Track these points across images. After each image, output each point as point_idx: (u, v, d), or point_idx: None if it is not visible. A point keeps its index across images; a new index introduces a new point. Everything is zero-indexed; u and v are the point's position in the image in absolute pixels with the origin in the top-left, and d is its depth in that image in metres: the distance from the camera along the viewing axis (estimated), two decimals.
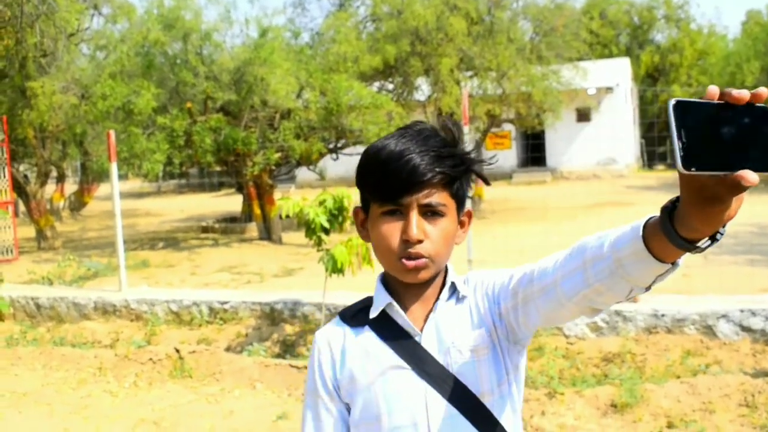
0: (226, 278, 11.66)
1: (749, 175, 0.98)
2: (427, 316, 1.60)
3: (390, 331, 1.58)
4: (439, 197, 1.52)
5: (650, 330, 7.08)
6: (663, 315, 7.06)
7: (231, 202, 23.80)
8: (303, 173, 23.67)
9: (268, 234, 15.68)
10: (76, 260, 11.76)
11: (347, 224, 7.95)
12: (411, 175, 1.47)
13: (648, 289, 1.27)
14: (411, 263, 1.52)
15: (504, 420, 1.57)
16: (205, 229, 18.02)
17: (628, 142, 28.75)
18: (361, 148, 16.15)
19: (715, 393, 5.86)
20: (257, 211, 16.03)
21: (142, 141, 12.91)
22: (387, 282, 1.64)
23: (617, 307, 7.23)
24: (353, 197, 7.90)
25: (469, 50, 17.03)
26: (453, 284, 1.63)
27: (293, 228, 16.29)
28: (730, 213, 1.06)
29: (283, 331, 8.38)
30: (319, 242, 7.75)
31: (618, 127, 28.02)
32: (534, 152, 29.65)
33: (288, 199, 8.36)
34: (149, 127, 13.49)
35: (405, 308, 1.60)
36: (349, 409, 1.63)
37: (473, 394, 1.55)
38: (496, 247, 12.36)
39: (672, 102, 1.00)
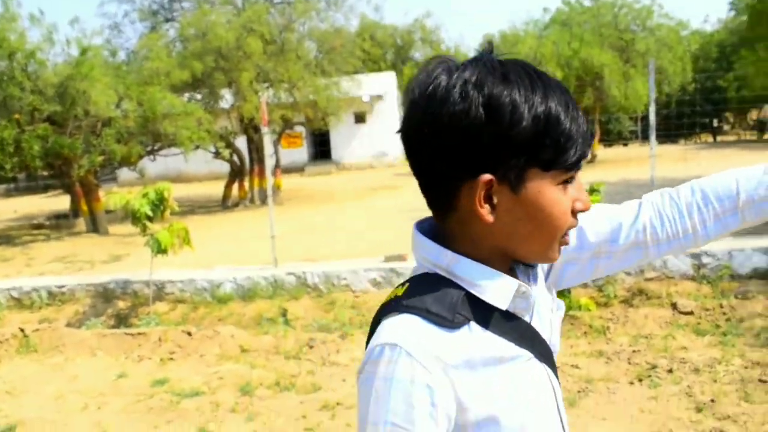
0: (60, 267, 11.12)
1: None
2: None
3: (501, 318, 1.03)
4: None
5: None
6: None
7: (59, 202, 22.38)
8: (124, 173, 22.82)
9: (95, 227, 15.02)
10: None
11: (167, 213, 7.94)
12: (590, 135, 1.04)
13: None
14: (568, 238, 1.07)
15: None
16: (37, 226, 16.92)
17: (396, 139, 29.68)
18: (175, 150, 15.89)
19: None
20: (84, 208, 15.33)
21: None
22: (477, 258, 1.04)
23: (392, 265, 7.73)
24: (172, 189, 7.91)
25: (265, 65, 17.09)
26: None
27: (117, 221, 15.74)
28: None
29: (116, 306, 8.21)
30: (144, 229, 7.70)
31: (388, 127, 29.09)
32: (321, 148, 30.20)
33: (115, 194, 8.21)
34: None
35: None
36: None
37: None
38: (293, 226, 12.63)
39: None
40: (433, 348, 0.95)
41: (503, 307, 1.02)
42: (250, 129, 17.99)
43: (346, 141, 28.92)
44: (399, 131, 1.06)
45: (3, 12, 13.26)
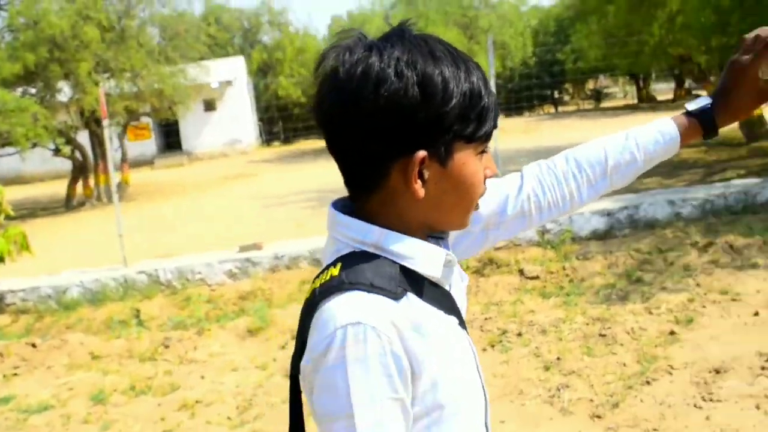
0: None
1: None
2: None
3: (431, 288, 1.05)
4: None
5: (274, 269, 7.54)
6: (282, 256, 7.56)
7: None
8: None
9: None
10: None
11: (1, 218, 7.38)
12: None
13: None
14: (479, 205, 1.11)
15: None
16: None
17: (249, 125, 29.35)
18: (10, 149, 14.85)
19: None
20: None
21: None
22: (402, 233, 1.04)
23: (247, 255, 7.60)
24: (5, 192, 7.35)
25: (104, 54, 16.27)
26: None
27: None
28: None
29: None
30: None
31: (239, 114, 28.57)
32: (171, 139, 29.17)
33: None
34: None
35: None
36: None
37: None
38: (143, 222, 12.17)
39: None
40: (388, 317, 0.95)
41: (437, 275, 1.04)
42: (92, 122, 17.08)
43: (196, 130, 28.12)
44: (314, 111, 1.04)
45: None
